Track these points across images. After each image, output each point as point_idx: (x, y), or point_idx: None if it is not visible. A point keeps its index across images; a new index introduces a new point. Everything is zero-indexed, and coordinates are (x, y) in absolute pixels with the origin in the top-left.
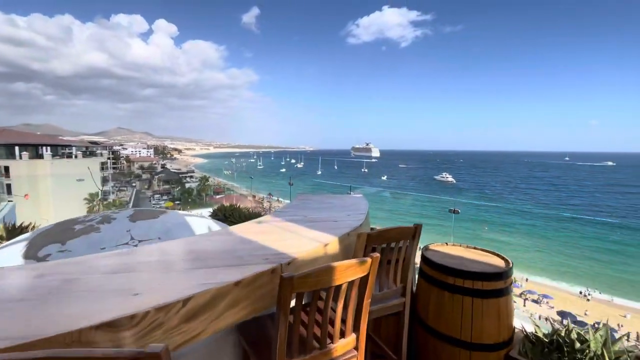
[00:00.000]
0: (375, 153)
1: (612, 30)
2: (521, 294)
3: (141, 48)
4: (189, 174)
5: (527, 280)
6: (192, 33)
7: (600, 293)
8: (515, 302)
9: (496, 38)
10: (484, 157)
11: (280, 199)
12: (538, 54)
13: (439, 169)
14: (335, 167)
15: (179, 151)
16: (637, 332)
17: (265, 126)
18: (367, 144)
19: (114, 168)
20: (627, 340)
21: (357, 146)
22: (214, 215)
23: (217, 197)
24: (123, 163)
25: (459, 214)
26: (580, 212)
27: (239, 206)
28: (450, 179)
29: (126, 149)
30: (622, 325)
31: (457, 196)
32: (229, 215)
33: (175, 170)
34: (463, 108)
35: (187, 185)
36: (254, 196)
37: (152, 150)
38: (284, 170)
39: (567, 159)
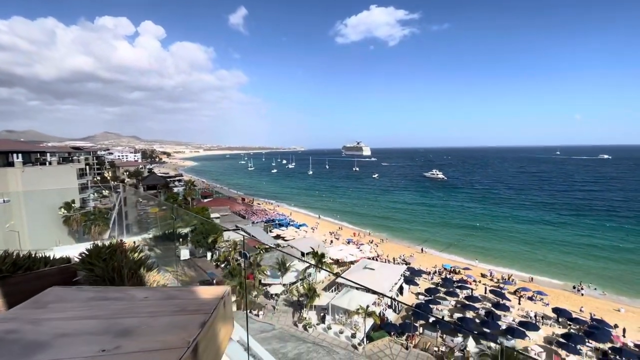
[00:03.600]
0: (367, 152)
1: (594, 28)
2: (515, 291)
3: (127, 50)
4: (177, 178)
5: (531, 279)
6: (179, 35)
7: (595, 289)
8: (510, 300)
9: (482, 36)
10: (473, 154)
11: (271, 201)
12: (523, 50)
13: (430, 165)
14: (327, 167)
15: (168, 154)
16: (624, 328)
17: (255, 127)
18: (358, 143)
19: (98, 174)
20: (624, 336)
21: (348, 145)
22: (82, 263)
23: (205, 200)
24: (107, 168)
25: (452, 214)
26: (578, 210)
27: (126, 247)
28: (440, 175)
29: (112, 153)
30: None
31: (450, 194)
32: (98, 264)
33: (163, 174)
34: (452, 105)
35: (175, 190)
36: (243, 199)
37: (139, 155)
38: (275, 171)
39: (558, 153)
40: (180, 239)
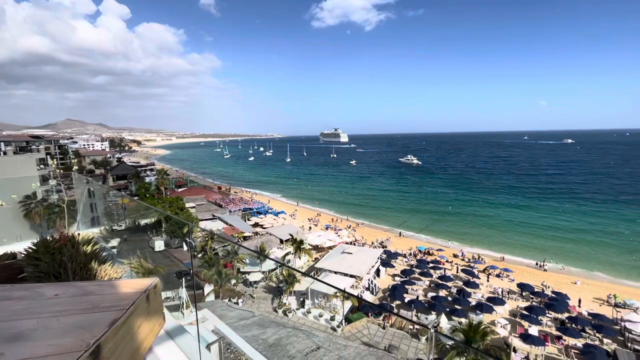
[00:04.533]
0: (344, 138)
1: (558, 19)
2: (484, 269)
3: (88, 31)
4: (149, 167)
5: (503, 259)
6: (146, 15)
7: (556, 264)
8: (479, 278)
9: (455, 23)
10: (448, 139)
11: (249, 189)
12: (493, 37)
13: (406, 151)
14: (305, 154)
15: (139, 143)
16: (580, 299)
17: (230, 114)
18: (336, 130)
19: (61, 164)
20: (579, 306)
21: (326, 132)
22: (27, 258)
23: (180, 190)
24: (71, 158)
25: (426, 198)
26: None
27: (79, 241)
28: (415, 161)
29: (76, 142)
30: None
31: (424, 179)
32: (44, 259)
33: (133, 164)
34: (427, 91)
35: (147, 179)
36: (219, 188)
37: (107, 143)
38: (252, 158)
39: (525, 138)
40: (154, 230)
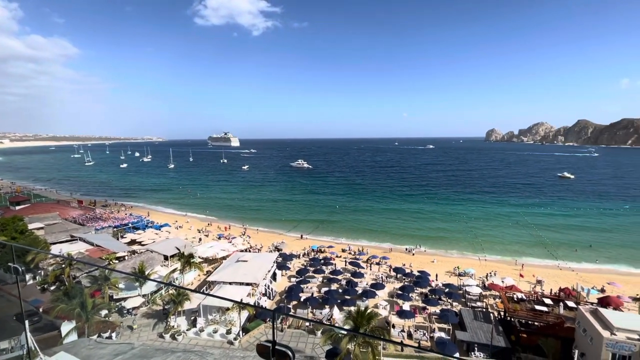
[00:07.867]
0: (235, 142)
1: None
2: (367, 259)
3: None
4: None
5: (391, 250)
6: None
7: (421, 247)
8: (364, 267)
9: (335, 37)
10: (335, 144)
11: (123, 202)
12: (368, 53)
13: (296, 156)
14: (191, 159)
15: None
16: (436, 274)
17: (94, 114)
18: (226, 134)
19: None
20: (436, 279)
21: (215, 136)
22: None
23: (19, 207)
24: None
25: (317, 200)
26: (410, 189)
27: None
28: (306, 165)
29: None
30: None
31: (315, 182)
32: None
33: None
34: (312, 100)
35: None
36: (80, 202)
37: None
38: (125, 165)
39: (396, 144)
40: None
